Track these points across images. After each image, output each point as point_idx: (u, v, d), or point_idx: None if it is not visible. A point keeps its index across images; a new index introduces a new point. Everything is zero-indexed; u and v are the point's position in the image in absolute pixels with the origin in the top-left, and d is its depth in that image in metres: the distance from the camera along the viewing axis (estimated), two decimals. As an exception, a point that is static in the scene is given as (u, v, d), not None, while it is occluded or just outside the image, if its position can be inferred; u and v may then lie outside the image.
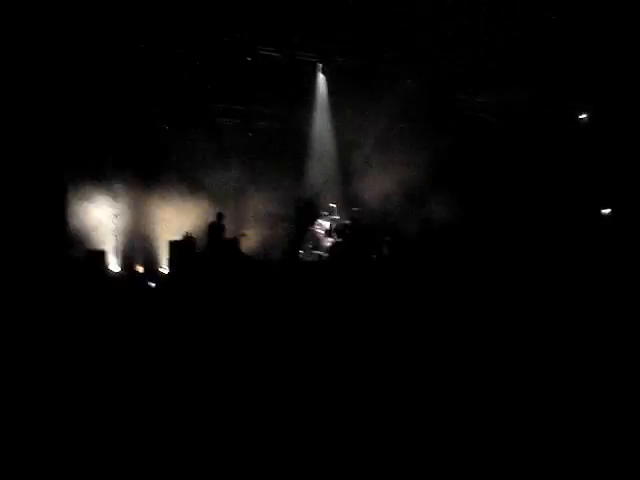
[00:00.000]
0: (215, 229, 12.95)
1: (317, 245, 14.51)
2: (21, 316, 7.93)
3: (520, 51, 13.90)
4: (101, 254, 12.66)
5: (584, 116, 14.93)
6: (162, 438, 4.63)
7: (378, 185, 14.66)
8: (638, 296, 8.59)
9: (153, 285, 12.06)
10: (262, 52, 14.66)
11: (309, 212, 14.50)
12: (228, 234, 13.24)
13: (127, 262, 13.75)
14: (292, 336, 7.65)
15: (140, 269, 13.79)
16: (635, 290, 8.93)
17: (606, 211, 14.31)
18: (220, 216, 13.16)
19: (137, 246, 13.92)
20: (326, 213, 14.99)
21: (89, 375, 6.14)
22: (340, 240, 14.27)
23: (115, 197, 13.74)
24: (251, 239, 13.84)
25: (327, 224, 14.75)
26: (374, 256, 13.74)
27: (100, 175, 13.54)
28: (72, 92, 12.57)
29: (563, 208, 13.89)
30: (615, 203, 14.17)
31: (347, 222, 14.62)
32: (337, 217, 14.97)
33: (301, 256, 14.41)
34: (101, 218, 13.44)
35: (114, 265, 13.58)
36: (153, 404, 5.32)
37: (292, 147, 15.48)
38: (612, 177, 14.03)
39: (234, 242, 13.19)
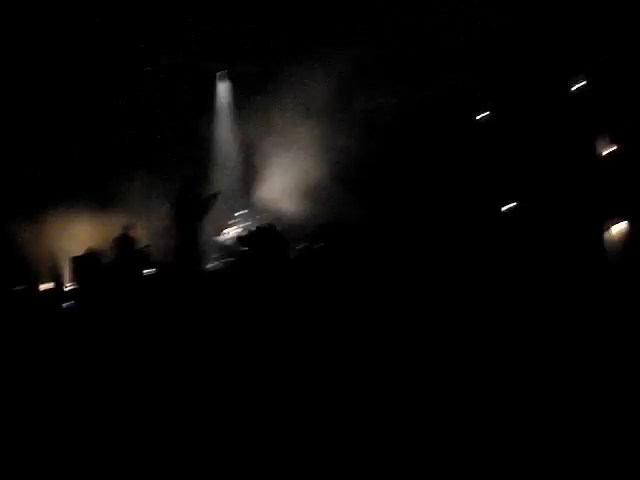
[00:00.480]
0: (122, 242, 12.65)
1: (226, 253, 14.37)
2: None
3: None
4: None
5: (483, 115, 15.36)
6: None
7: (283, 189, 14.72)
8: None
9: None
10: (162, 62, 14.54)
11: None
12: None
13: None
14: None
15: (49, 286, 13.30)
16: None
17: (508, 207, 14.78)
18: (128, 228, 12.86)
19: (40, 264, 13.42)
20: (235, 221, 14.90)
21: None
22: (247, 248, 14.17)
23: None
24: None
25: (238, 231, 14.65)
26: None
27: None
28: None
29: (466, 206, 14.27)
30: (518, 199, 14.67)
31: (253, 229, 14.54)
32: (248, 224, 14.89)
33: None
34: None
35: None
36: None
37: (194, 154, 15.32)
38: (513, 174, 14.51)
39: (142, 253, 12.90)
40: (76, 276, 12.65)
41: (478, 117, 15.14)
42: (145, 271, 11.73)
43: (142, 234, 13.16)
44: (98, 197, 13.93)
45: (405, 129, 14.69)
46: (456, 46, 14.24)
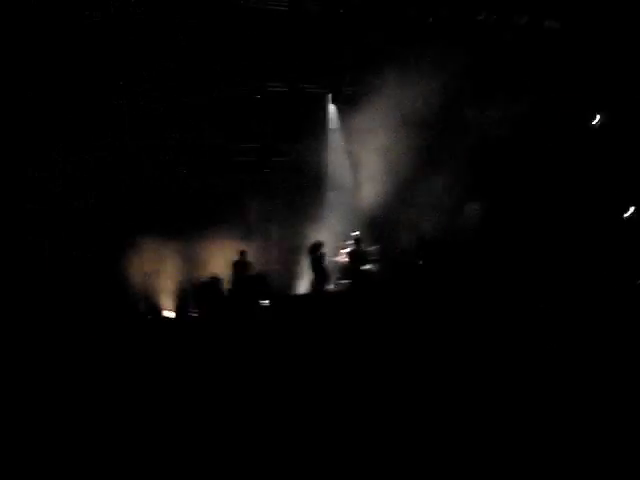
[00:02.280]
0: (239, 266, 12.95)
1: (345, 274, 14.41)
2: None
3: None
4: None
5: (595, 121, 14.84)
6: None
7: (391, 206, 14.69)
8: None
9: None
10: (270, 89, 14.89)
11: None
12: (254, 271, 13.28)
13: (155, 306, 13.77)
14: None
15: (169, 314, 13.78)
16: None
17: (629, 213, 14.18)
18: (243, 253, 13.18)
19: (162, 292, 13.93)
20: (350, 242, 14.91)
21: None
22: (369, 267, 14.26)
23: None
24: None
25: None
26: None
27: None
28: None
29: (575, 214, 13.78)
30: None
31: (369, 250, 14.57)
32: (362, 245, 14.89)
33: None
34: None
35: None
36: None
37: (310, 179, 15.49)
38: (626, 180, 13.93)
39: (261, 277, 13.17)
40: (200, 301, 13.11)
41: (593, 122, 14.66)
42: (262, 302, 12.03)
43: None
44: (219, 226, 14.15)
45: (515, 140, 14.36)
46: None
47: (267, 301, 12.15)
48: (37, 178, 12.42)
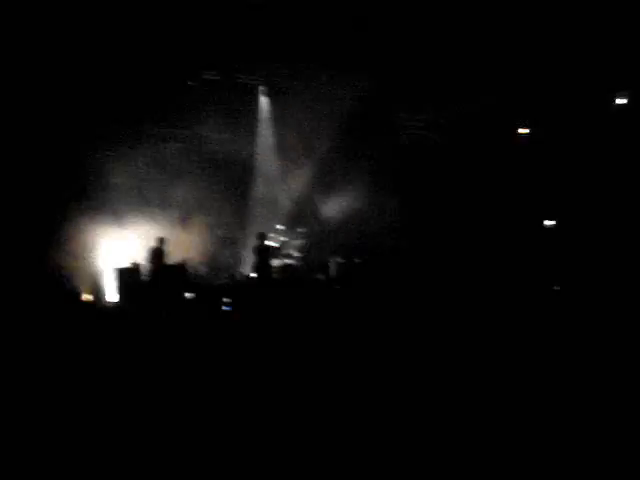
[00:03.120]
0: (156, 254, 12.91)
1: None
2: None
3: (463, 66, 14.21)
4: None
5: (525, 131, 15.17)
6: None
7: (323, 204, 14.79)
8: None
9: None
10: (205, 76, 14.79)
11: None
12: (175, 259, 13.26)
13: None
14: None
15: (89, 298, 13.65)
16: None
17: (549, 223, 14.59)
18: (161, 241, 13.13)
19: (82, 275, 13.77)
20: (272, 235, 15.01)
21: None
22: (289, 262, 14.42)
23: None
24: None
25: (274, 244, 14.79)
26: (321, 277, 13.80)
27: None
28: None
29: (506, 221, 14.13)
30: (559, 215, 14.46)
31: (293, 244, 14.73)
32: (285, 239, 15.02)
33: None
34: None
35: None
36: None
37: (237, 169, 15.48)
38: (554, 190, 14.29)
39: (179, 267, 13.18)
40: (121, 287, 13.05)
41: (520, 132, 15.00)
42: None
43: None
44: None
45: (443, 146, 14.61)
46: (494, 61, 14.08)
47: (191, 294, 12.20)
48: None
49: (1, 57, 12.28)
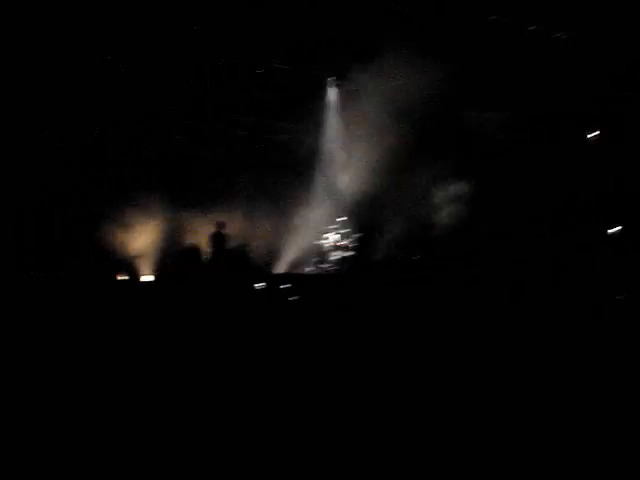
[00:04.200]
0: (217, 238, 13.01)
1: (323, 259, 14.51)
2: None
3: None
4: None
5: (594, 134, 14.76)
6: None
7: (386, 198, 14.66)
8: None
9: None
10: (274, 65, 14.85)
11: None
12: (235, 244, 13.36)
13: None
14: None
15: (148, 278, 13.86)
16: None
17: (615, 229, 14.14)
18: (221, 225, 13.21)
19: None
20: (334, 226, 14.98)
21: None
22: (351, 253, 14.39)
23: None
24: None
25: (336, 237, 14.76)
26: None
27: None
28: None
29: (569, 222, 13.76)
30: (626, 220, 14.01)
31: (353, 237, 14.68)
32: (346, 230, 14.96)
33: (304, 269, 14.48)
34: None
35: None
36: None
37: (302, 160, 15.47)
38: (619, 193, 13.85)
39: (240, 251, 13.26)
40: (180, 269, 13.23)
41: (589, 136, 14.58)
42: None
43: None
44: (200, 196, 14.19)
45: (508, 143, 14.32)
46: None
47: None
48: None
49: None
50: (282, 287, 11.85)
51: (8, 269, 11.23)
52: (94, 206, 13.16)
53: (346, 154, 15.51)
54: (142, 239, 13.77)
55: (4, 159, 11.98)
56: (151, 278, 13.68)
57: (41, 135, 12.52)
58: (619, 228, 14.14)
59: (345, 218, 15.10)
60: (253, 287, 11.83)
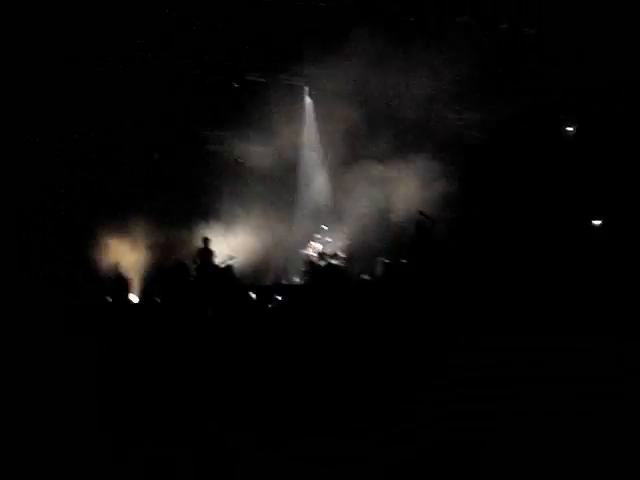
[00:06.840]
0: (203, 254, 12.91)
1: (309, 268, 14.42)
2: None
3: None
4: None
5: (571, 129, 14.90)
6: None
7: (368, 206, 14.67)
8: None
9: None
10: (248, 78, 14.85)
11: None
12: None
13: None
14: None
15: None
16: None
17: (597, 222, 14.25)
18: (206, 241, 13.12)
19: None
20: (319, 236, 14.93)
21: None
22: (335, 262, 14.29)
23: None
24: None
25: (320, 246, 14.71)
26: (366, 277, 13.65)
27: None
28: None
29: (552, 220, 13.83)
30: (606, 214, 14.13)
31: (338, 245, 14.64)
32: (330, 240, 14.92)
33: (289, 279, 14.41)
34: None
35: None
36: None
37: (281, 171, 15.42)
38: (601, 188, 13.98)
39: (226, 265, 13.16)
40: (165, 287, 13.05)
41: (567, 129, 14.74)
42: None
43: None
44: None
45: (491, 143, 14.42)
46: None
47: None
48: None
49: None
50: (271, 298, 11.80)
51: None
52: (76, 223, 13.07)
53: (326, 161, 15.53)
54: (125, 257, 13.65)
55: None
56: (135, 299, 13.54)
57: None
58: (600, 222, 14.31)
59: (329, 226, 15.08)
60: (245, 299, 11.78)
